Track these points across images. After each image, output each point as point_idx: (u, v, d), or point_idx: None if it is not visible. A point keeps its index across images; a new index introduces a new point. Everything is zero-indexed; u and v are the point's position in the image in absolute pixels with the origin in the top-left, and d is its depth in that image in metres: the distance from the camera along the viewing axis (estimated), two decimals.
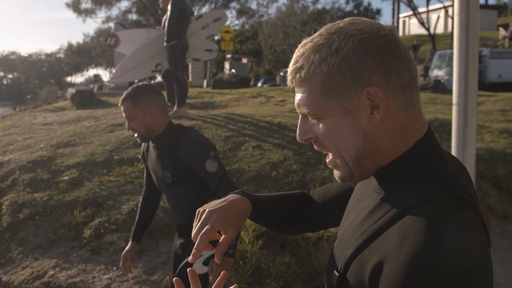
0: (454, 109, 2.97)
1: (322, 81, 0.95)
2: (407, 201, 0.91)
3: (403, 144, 0.98)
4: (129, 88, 2.73)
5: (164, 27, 7.88)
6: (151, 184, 3.13)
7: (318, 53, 0.96)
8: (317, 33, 0.99)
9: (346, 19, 1.01)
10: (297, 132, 1.06)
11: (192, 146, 2.66)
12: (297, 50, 1.01)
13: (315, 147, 1.05)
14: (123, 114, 2.71)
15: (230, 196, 1.26)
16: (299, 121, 1.05)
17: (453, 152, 3.07)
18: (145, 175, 3.17)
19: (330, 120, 0.98)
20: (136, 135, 2.74)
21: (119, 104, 2.74)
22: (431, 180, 0.94)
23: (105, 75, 70.60)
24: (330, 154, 1.04)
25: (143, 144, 2.97)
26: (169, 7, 7.54)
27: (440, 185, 0.92)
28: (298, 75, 0.99)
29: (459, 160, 1.05)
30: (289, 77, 1.03)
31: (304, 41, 1.01)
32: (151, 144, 2.83)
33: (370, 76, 0.93)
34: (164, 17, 8.08)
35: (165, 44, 7.50)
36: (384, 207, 0.96)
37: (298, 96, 1.01)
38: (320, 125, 0.99)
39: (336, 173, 1.05)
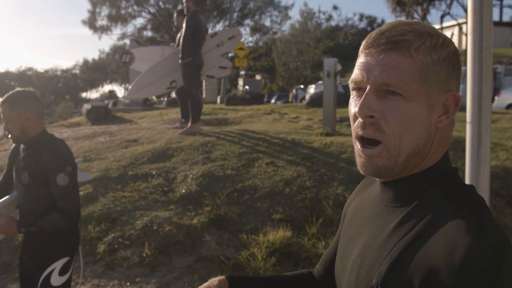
0: (468, 128, 2.98)
1: (428, 64, 0.93)
2: (440, 210, 0.91)
3: (437, 156, 1.00)
4: (11, 92, 2.87)
5: (178, 45, 7.96)
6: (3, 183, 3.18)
7: (429, 38, 0.94)
8: (411, 21, 0.97)
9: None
10: (361, 105, 0.95)
11: (54, 154, 2.78)
12: (394, 25, 0.96)
13: (363, 130, 0.97)
14: (1, 116, 2.85)
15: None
16: (367, 93, 0.96)
17: (467, 170, 3.07)
18: (4, 172, 3.22)
19: (414, 105, 0.93)
20: (8, 134, 2.89)
21: None
22: (453, 189, 0.96)
23: (119, 91, 71.23)
24: (377, 146, 0.97)
25: (14, 145, 3.07)
26: (183, 24, 7.63)
27: (463, 193, 0.95)
28: (406, 48, 0.93)
29: None
30: (386, 44, 0.95)
31: (402, 20, 0.98)
32: (21, 146, 2.94)
33: (451, 83, 0.96)
34: (179, 35, 8.17)
35: (180, 61, 7.57)
36: (413, 218, 0.94)
37: (389, 67, 0.93)
38: (401, 106, 0.93)
39: (374, 165, 0.97)
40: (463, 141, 7.73)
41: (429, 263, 0.84)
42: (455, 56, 0.97)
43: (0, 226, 2.74)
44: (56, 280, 2.82)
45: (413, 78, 0.93)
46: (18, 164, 2.92)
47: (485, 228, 0.84)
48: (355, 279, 1.01)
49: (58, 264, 2.83)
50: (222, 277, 1.27)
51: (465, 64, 3.11)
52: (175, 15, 8.72)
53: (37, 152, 2.81)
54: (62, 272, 2.85)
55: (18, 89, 2.88)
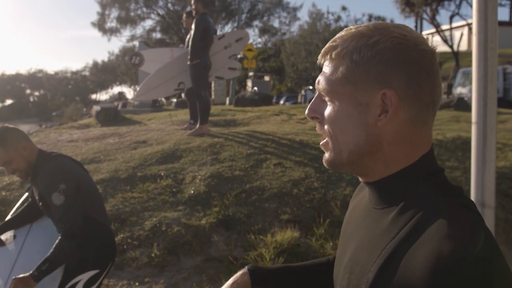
0: (474, 128, 2.98)
1: (347, 66, 0.97)
2: (424, 213, 0.89)
3: (408, 157, 0.97)
4: None
5: (187, 46, 8.01)
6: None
7: (355, 40, 0.97)
8: (365, 24, 1.01)
9: (397, 23, 1.03)
10: (308, 107, 1.06)
11: (44, 176, 2.74)
12: (340, 32, 1.03)
13: (317, 129, 1.07)
14: None
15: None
16: (314, 97, 1.07)
17: (473, 170, 3.06)
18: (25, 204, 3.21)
19: (339, 105, 0.99)
20: (17, 174, 2.84)
21: None
22: (438, 191, 0.94)
23: (129, 92, 71.49)
24: (323, 141, 1.06)
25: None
26: (192, 26, 7.67)
27: (449, 195, 0.93)
28: (329, 54, 1.01)
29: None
30: (321, 53, 1.04)
31: (350, 26, 1.02)
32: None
33: (392, 80, 0.94)
34: (188, 36, 8.21)
35: (188, 62, 7.62)
36: (399, 222, 0.93)
37: (321, 74, 1.04)
38: (330, 107, 1.01)
39: (325, 157, 1.05)
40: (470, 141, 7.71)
41: (412, 273, 0.83)
42: (391, 53, 0.94)
43: None
44: None
45: (335, 81, 0.99)
46: (35, 193, 2.93)
47: (471, 234, 0.82)
48: (346, 284, 1.03)
49: (85, 277, 2.78)
50: (244, 270, 1.38)
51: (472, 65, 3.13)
52: (184, 16, 8.77)
53: (36, 177, 2.80)
54: (87, 285, 2.79)
55: None
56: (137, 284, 4.16)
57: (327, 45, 1.02)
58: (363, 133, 0.96)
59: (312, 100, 1.06)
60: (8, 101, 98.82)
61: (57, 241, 2.67)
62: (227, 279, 4.41)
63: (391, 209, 0.98)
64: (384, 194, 1.01)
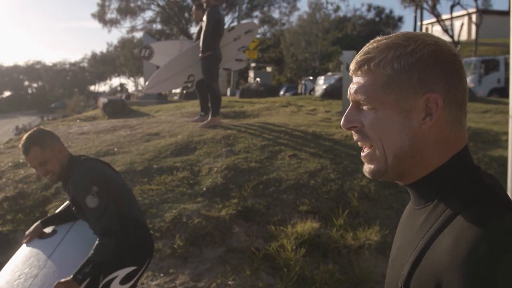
0: (511, 122, 3.00)
1: (389, 75, 1.02)
2: (452, 208, 0.96)
3: (441, 156, 1.03)
4: (26, 137, 2.83)
5: (197, 38, 8.02)
6: None
7: (393, 50, 1.02)
8: (393, 35, 1.06)
9: (422, 32, 1.08)
10: (343, 119, 1.10)
11: (75, 180, 2.78)
12: (369, 43, 1.07)
13: (355, 137, 1.10)
14: (33, 162, 2.81)
15: None
16: (349, 108, 1.10)
17: (510, 164, 3.09)
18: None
19: (383, 112, 1.03)
20: (49, 176, 2.87)
21: (24, 155, 2.84)
22: (471, 187, 0.99)
23: (127, 84, 71.25)
24: (367, 147, 1.09)
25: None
26: (204, 18, 7.68)
27: (481, 191, 0.97)
28: (366, 65, 1.05)
29: (490, 174, 1.08)
30: (354, 66, 1.08)
31: (379, 38, 1.07)
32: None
33: (433, 85, 0.99)
34: (198, 28, 8.22)
35: (200, 54, 7.63)
36: (431, 219, 1.00)
37: (357, 84, 1.07)
38: (372, 115, 1.04)
39: (369, 168, 1.08)
40: (481, 132, 7.79)
41: (437, 263, 0.90)
42: (431, 59, 1.00)
43: None
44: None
45: (375, 90, 1.04)
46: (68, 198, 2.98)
47: (493, 225, 0.87)
48: (389, 280, 1.11)
49: (122, 273, 2.80)
50: None
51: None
52: (194, 8, 8.77)
53: (68, 181, 2.85)
54: (124, 281, 2.81)
55: (29, 132, 2.87)
56: (162, 275, 4.20)
57: (361, 57, 1.07)
58: (408, 137, 1.02)
59: (347, 111, 1.10)
60: (6, 93, 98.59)
61: (96, 242, 2.69)
62: (250, 270, 4.48)
63: (426, 209, 1.04)
64: (420, 195, 1.08)
